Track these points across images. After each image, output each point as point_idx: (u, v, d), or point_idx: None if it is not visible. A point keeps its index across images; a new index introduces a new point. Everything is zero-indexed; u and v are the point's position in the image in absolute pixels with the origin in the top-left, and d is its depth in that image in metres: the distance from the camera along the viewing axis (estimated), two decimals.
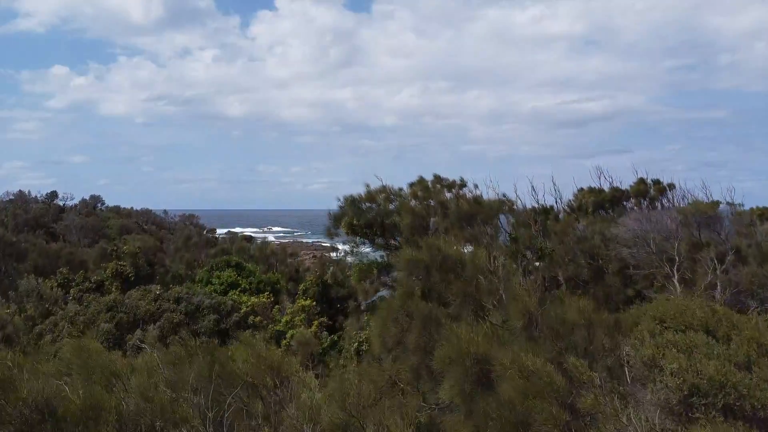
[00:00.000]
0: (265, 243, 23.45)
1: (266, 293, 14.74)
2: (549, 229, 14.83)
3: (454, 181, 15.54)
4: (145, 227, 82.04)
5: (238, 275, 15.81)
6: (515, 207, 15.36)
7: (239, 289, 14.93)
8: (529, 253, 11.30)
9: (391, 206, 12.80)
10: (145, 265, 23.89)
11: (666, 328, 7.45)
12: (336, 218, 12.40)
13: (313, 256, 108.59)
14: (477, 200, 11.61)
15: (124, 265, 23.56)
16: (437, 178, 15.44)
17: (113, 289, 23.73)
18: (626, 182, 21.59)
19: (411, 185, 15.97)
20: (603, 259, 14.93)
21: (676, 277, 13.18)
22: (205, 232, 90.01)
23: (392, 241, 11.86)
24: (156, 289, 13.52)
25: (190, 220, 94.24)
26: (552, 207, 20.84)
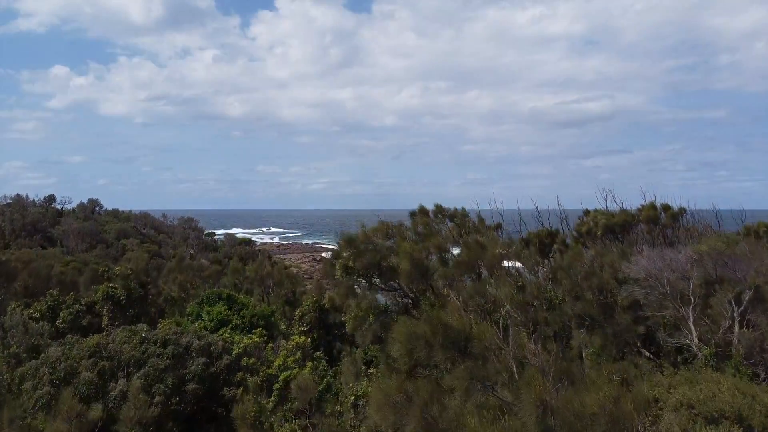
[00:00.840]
0: (262, 265, 22.68)
1: (259, 330, 14.02)
2: (555, 265, 14.10)
3: (456, 211, 14.76)
4: (144, 231, 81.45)
5: (230, 309, 15.11)
6: (522, 242, 14.59)
7: (230, 325, 14.24)
8: (537, 302, 10.57)
9: (390, 242, 12.02)
10: (137, 287, 23.18)
11: (696, 414, 6.73)
12: (332, 257, 11.66)
13: (312, 259, 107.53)
14: (480, 243, 10.81)
15: (115, 288, 22.86)
16: (438, 208, 14.68)
17: (104, 312, 23.01)
18: (634, 201, 20.84)
19: (412, 215, 15.17)
20: (612, 294, 14.19)
21: (691, 319, 12.42)
22: (204, 236, 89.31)
23: (392, 283, 11.13)
24: (143, 330, 12.80)
25: (188, 223, 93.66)
26: (558, 231, 20.07)
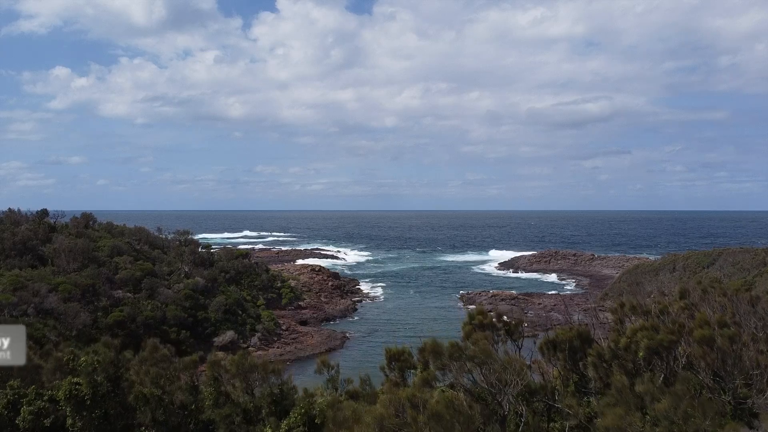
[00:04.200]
0: (245, 356, 19.99)
1: None
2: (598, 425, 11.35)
3: (475, 351, 11.48)
4: (138, 247, 78.72)
5: None
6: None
7: None
8: None
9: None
10: (104, 382, 20.34)
11: None
12: None
13: (311, 270, 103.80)
14: None
15: (79, 385, 20.04)
16: (454, 347, 11.47)
17: (68, 412, 20.37)
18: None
19: (421, 352, 11.95)
20: None
21: None
22: (199, 249, 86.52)
23: None
24: None
25: (184, 236, 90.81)
26: (588, 333, 17.29)
